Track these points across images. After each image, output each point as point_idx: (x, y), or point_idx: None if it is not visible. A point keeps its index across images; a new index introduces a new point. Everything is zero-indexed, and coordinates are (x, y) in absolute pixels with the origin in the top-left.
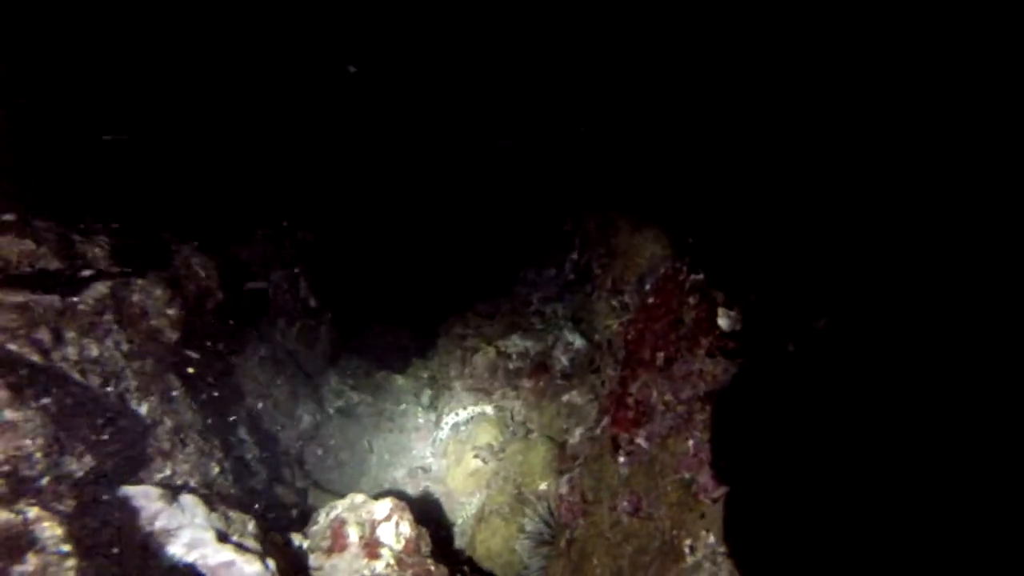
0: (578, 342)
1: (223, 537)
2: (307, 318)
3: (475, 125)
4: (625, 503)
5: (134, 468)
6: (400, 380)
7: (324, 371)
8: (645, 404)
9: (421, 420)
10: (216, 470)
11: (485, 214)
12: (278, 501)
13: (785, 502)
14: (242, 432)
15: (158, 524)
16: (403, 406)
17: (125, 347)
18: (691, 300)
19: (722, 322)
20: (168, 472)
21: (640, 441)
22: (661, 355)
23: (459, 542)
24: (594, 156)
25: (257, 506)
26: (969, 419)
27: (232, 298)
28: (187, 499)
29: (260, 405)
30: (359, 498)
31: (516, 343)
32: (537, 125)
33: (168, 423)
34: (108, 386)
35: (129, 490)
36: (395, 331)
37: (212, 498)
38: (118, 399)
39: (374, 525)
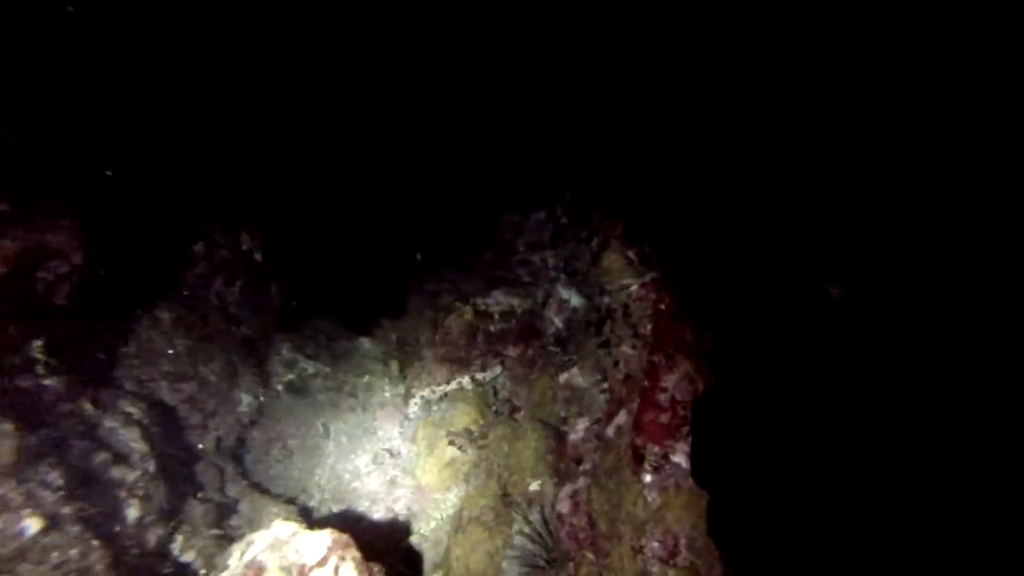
0: (575, 299)
1: None
2: (252, 276)
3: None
4: (656, 544)
5: None
6: (367, 344)
7: (274, 338)
8: (686, 406)
9: (388, 394)
10: (35, 527)
11: (461, 144)
12: (182, 530)
13: None
14: (130, 440)
15: None
16: (367, 378)
17: None
18: None
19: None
20: None
21: (678, 459)
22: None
23: (432, 553)
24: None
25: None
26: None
27: (117, 262)
28: None
29: (177, 393)
30: (285, 529)
31: (499, 300)
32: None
33: None
34: None
35: None
36: (362, 287)
37: None
38: None
39: (304, 572)
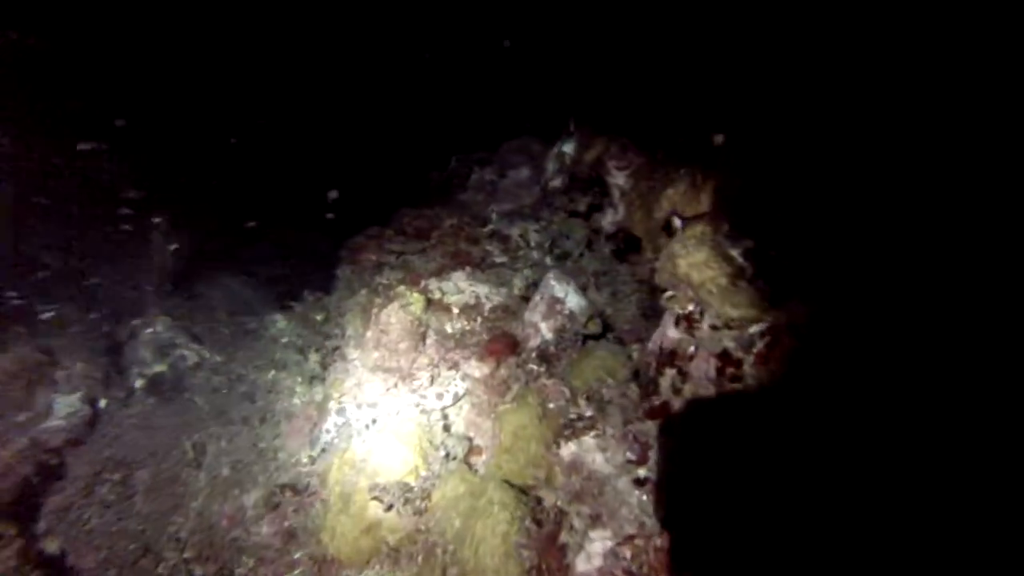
0: (573, 300)
1: None
2: (119, 219)
3: None
4: None
5: None
6: (280, 323)
7: (147, 310)
8: None
9: (299, 400)
10: None
11: (425, 74)
12: None
13: None
14: None
15: None
16: (272, 373)
17: None
18: None
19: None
20: None
21: None
22: None
23: None
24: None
25: None
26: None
27: None
28: None
29: None
30: None
31: (460, 287)
32: None
33: None
34: None
35: None
36: (287, 245)
37: None
38: None
39: None
